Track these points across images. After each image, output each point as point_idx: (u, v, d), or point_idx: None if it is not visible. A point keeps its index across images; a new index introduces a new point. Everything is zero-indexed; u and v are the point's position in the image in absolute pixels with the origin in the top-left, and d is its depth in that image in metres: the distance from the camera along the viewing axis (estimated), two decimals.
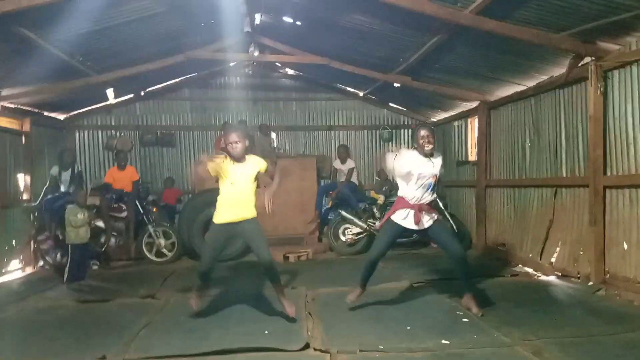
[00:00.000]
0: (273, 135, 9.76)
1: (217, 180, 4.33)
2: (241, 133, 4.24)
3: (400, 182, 4.46)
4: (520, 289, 5.39)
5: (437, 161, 4.42)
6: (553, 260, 6.04)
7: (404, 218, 4.36)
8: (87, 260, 6.73)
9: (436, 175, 4.37)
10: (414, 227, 4.36)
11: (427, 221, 4.38)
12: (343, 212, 8.07)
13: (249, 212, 4.28)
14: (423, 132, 4.34)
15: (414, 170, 4.30)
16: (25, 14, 4.77)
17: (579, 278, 5.51)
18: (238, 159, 4.24)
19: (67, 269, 6.22)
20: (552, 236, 6.15)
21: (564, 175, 5.94)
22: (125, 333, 4.15)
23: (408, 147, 4.85)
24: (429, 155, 4.36)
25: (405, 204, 4.36)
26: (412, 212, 4.33)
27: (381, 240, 4.54)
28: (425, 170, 4.31)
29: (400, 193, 4.46)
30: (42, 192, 7.40)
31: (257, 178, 4.34)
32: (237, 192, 4.23)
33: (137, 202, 7.70)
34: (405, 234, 4.65)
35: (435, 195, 4.49)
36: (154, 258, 7.69)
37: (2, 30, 5.00)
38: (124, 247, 7.77)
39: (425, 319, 4.31)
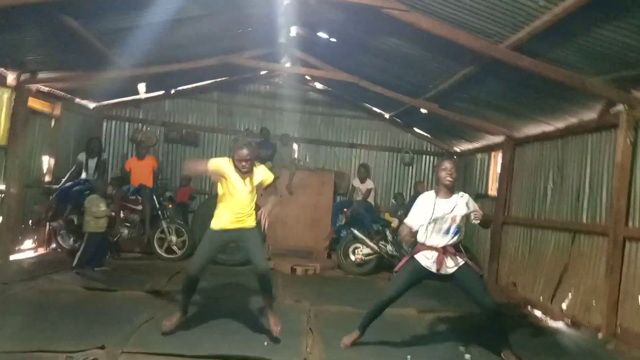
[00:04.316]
0: (295, 146, 9.80)
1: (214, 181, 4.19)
2: (252, 150, 4.12)
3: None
4: (527, 331, 5.26)
5: (462, 201, 3.99)
6: (564, 306, 5.90)
7: (427, 258, 4.00)
8: (105, 249, 6.79)
9: (456, 218, 3.93)
10: (435, 269, 3.96)
11: (451, 267, 3.97)
12: (355, 231, 8.02)
13: (249, 223, 4.22)
14: (447, 164, 3.97)
15: (425, 217, 3.97)
16: (72, 3, 4.91)
17: (588, 328, 5.36)
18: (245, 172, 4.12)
19: (78, 254, 6.29)
20: (565, 281, 6.02)
21: (584, 221, 5.82)
22: (126, 325, 4.18)
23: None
24: (449, 193, 3.98)
25: (425, 248, 4.02)
26: (435, 253, 3.96)
27: (399, 279, 4.10)
28: (441, 212, 3.93)
29: (417, 238, 4.09)
30: (67, 177, 7.54)
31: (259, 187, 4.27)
32: (236, 203, 4.13)
33: (154, 197, 7.78)
34: (426, 279, 4.21)
35: (459, 239, 4.01)
36: (163, 254, 7.75)
37: (47, 16, 5.14)
38: (135, 239, 7.85)
39: (427, 350, 4.25)
